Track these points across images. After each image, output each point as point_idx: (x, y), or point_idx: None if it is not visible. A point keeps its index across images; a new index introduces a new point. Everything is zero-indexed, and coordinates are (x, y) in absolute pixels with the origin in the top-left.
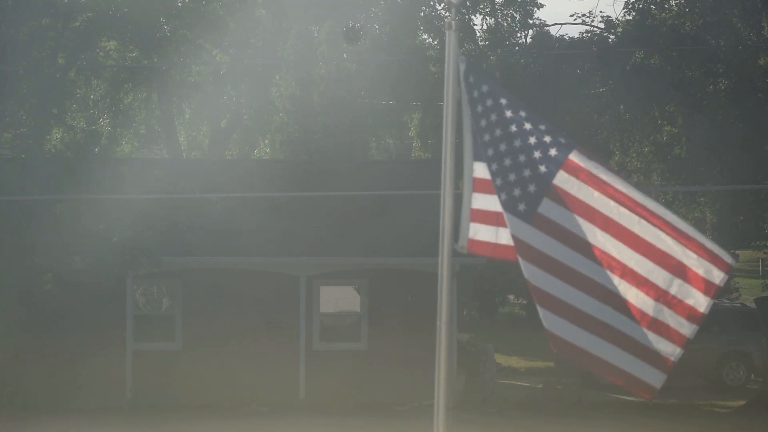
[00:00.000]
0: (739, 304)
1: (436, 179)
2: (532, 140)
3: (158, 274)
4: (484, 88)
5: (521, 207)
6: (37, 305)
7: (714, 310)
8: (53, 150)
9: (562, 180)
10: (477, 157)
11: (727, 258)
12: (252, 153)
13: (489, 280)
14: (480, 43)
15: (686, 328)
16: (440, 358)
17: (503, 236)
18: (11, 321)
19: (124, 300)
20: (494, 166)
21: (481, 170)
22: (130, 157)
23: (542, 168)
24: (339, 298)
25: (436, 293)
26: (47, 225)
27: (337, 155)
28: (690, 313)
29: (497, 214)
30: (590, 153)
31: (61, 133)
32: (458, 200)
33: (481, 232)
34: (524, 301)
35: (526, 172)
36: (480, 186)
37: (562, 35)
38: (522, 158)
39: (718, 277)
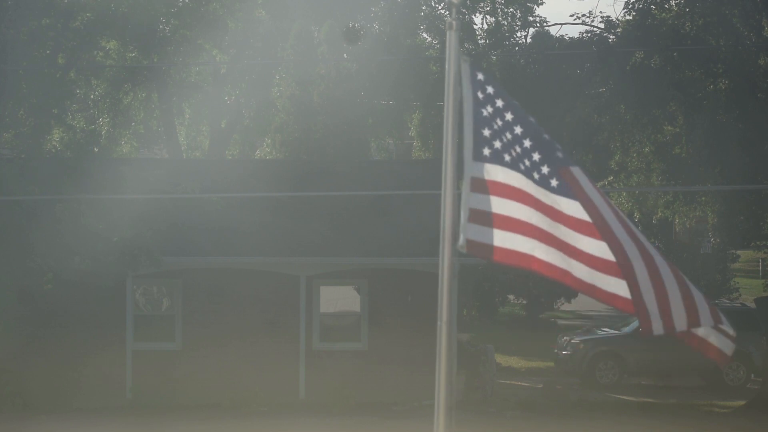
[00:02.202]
0: (739, 304)
1: (436, 179)
2: (530, 143)
3: (158, 274)
4: (493, 87)
5: (554, 183)
6: (37, 305)
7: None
8: (53, 150)
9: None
10: (476, 157)
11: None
12: (252, 153)
13: (489, 280)
14: (480, 42)
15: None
16: (440, 358)
17: (498, 238)
18: (11, 321)
19: (124, 300)
20: (507, 157)
21: (478, 169)
22: (130, 157)
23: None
24: (339, 298)
25: (436, 293)
26: (47, 225)
27: (337, 155)
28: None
29: (492, 215)
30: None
31: (61, 133)
32: (459, 200)
33: (478, 233)
34: (524, 301)
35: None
36: (476, 186)
37: (562, 35)
38: (524, 154)
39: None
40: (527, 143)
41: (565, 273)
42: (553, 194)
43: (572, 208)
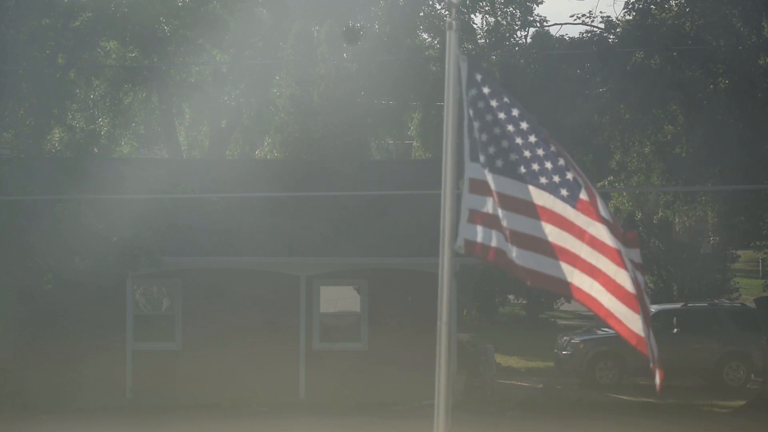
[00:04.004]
0: (739, 304)
1: (436, 179)
2: (540, 151)
3: (158, 274)
4: (490, 87)
5: (564, 192)
6: (37, 305)
7: (714, 310)
8: (53, 150)
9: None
10: (473, 158)
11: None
12: (252, 153)
13: (489, 280)
14: (480, 41)
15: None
16: (440, 358)
17: (495, 239)
18: (11, 321)
19: (124, 300)
20: (513, 156)
21: (476, 171)
22: (130, 157)
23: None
24: (339, 298)
25: (436, 293)
26: (47, 225)
27: (337, 155)
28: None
29: (492, 217)
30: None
31: (61, 133)
32: (459, 200)
33: (476, 234)
34: (524, 301)
35: (548, 165)
36: (475, 187)
37: (562, 35)
38: (541, 152)
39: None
40: (521, 145)
41: (550, 279)
42: (561, 201)
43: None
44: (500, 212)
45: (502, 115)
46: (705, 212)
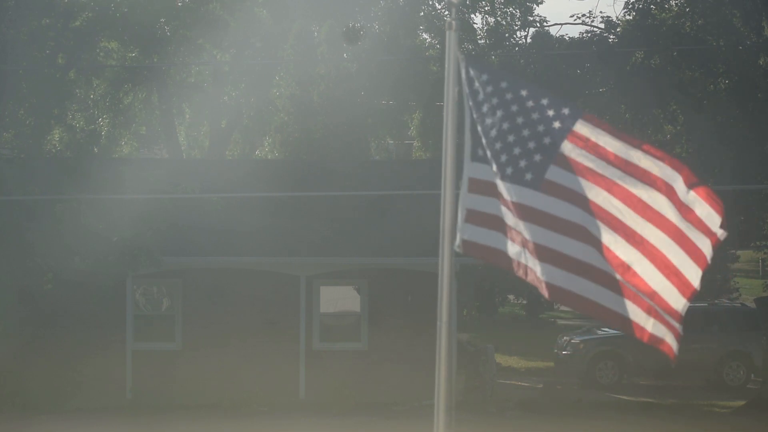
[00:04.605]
0: (739, 304)
1: (436, 179)
2: (535, 116)
3: (158, 274)
4: (484, 77)
5: (528, 176)
6: (37, 305)
7: (714, 310)
8: (53, 150)
9: (568, 149)
10: (474, 157)
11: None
12: (252, 153)
13: (489, 280)
14: (480, 41)
15: (679, 303)
16: (440, 358)
17: (493, 239)
18: (11, 321)
19: (124, 300)
20: (497, 145)
21: (476, 170)
22: (130, 157)
23: (546, 140)
24: (339, 298)
25: (436, 293)
26: (47, 225)
27: (337, 155)
28: (685, 288)
29: (491, 216)
30: (596, 120)
31: (61, 133)
32: (458, 200)
33: (474, 234)
34: (524, 301)
35: (531, 145)
36: (475, 186)
37: (562, 35)
38: (525, 132)
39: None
40: (534, 115)
41: (540, 281)
42: (545, 195)
43: (566, 209)
44: (521, 224)
45: (494, 101)
46: None
